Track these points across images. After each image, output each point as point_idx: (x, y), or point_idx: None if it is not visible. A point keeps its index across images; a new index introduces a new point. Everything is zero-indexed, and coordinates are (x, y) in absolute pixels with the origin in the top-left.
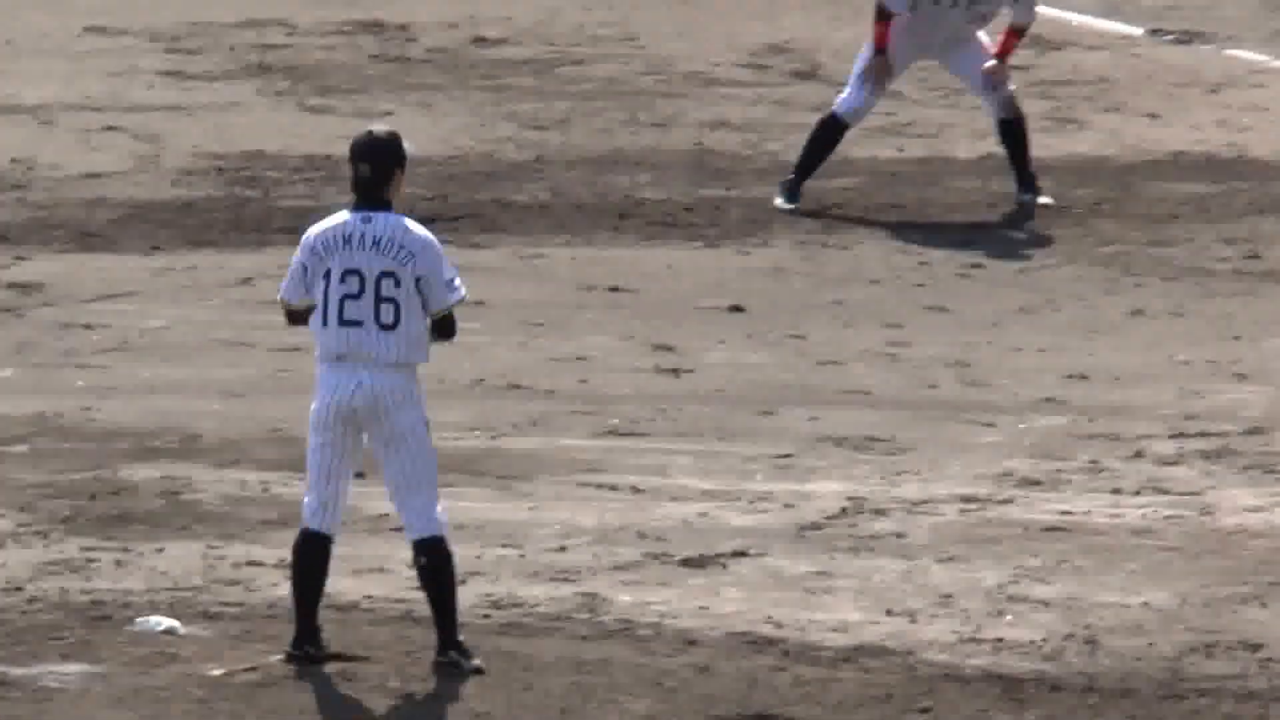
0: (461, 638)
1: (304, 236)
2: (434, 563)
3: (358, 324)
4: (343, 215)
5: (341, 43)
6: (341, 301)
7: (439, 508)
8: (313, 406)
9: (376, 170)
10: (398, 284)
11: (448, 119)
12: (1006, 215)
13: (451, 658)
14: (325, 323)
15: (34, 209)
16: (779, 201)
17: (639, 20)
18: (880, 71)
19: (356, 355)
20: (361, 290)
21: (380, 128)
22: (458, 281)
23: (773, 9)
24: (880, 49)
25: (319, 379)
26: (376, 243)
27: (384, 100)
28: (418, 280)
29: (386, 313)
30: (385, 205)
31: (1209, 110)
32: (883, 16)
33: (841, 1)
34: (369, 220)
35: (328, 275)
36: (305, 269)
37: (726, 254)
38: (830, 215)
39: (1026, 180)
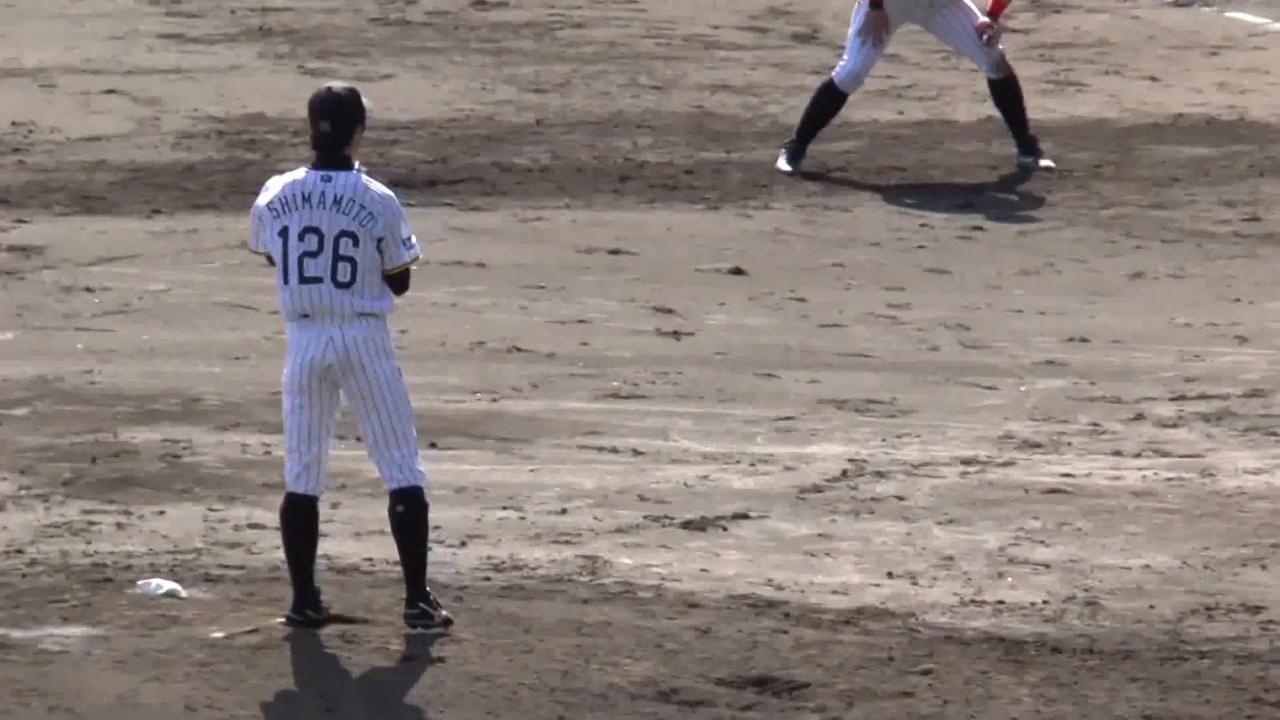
0: (429, 589)
1: (263, 189)
2: (411, 512)
3: (317, 280)
4: (301, 172)
5: (342, 6)
6: (301, 259)
7: (418, 459)
8: (285, 369)
9: (337, 127)
10: (356, 243)
11: (448, 82)
12: (1007, 178)
13: (421, 609)
14: (286, 280)
15: (34, 172)
16: (781, 163)
17: None
18: (878, 25)
19: (319, 310)
20: (320, 248)
21: (339, 84)
22: (414, 239)
23: None
24: (876, 3)
25: (289, 339)
26: (337, 202)
27: (384, 64)
28: (378, 241)
29: (343, 271)
30: (345, 163)
31: (1209, 73)
32: None
33: None
34: (329, 179)
35: (285, 232)
36: (259, 221)
37: (727, 217)
38: (831, 178)
39: (1025, 142)
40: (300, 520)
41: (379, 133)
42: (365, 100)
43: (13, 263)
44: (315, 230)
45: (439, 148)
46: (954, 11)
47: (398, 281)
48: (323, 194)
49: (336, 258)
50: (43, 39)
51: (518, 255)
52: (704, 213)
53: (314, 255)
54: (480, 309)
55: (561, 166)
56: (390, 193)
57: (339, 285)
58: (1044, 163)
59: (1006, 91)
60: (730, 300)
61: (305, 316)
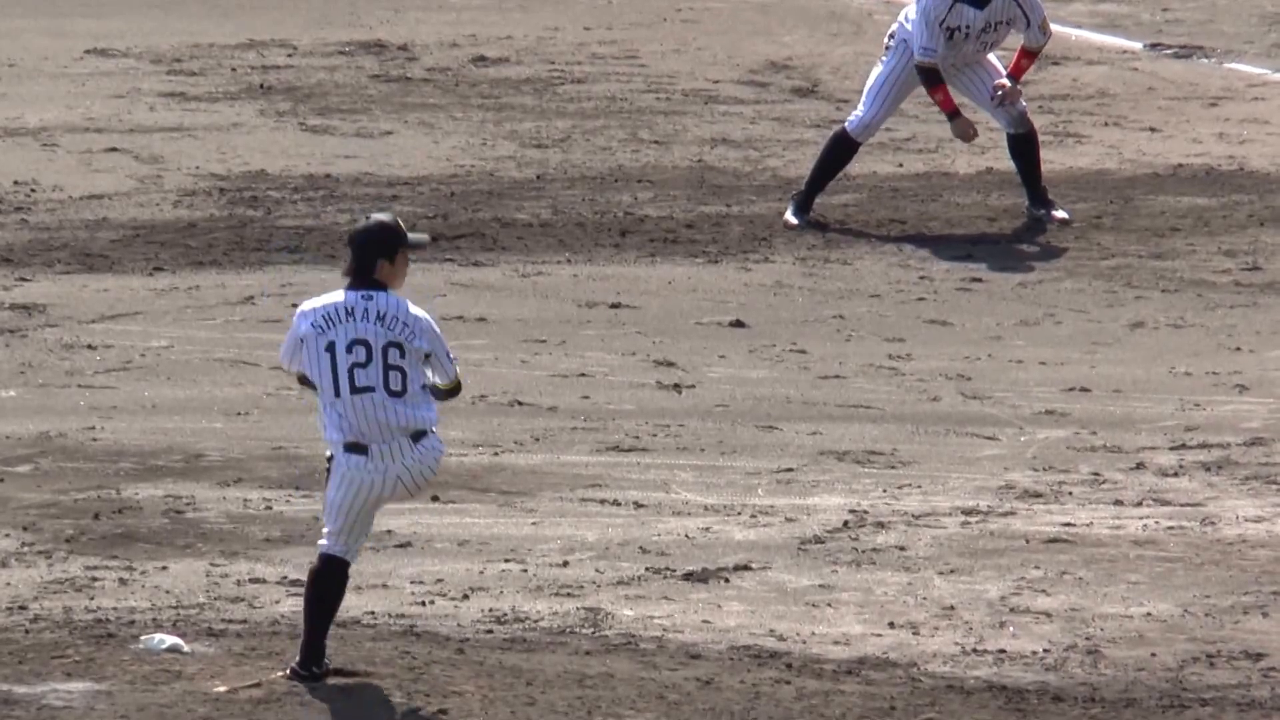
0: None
1: (300, 309)
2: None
3: (369, 390)
4: (339, 294)
5: (342, 63)
6: (351, 370)
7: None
8: (338, 489)
9: (359, 258)
10: (403, 354)
11: (449, 138)
12: (1006, 229)
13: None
14: (337, 393)
15: (37, 230)
16: (789, 215)
17: (639, 38)
18: (966, 130)
19: (374, 429)
20: (369, 359)
21: (376, 217)
22: (453, 353)
23: (773, 26)
24: (953, 112)
25: (345, 464)
26: (380, 317)
27: (385, 120)
28: (426, 356)
29: (395, 380)
30: (381, 287)
31: (1209, 123)
32: (934, 80)
33: (842, 19)
34: (370, 297)
35: (331, 348)
36: (301, 342)
37: (728, 270)
38: (831, 230)
39: (1038, 195)
40: (331, 582)
41: (380, 189)
42: (417, 235)
43: (15, 321)
44: (363, 342)
45: (440, 203)
46: (979, 69)
47: (451, 393)
48: (365, 310)
49: (387, 367)
50: (45, 98)
51: (519, 310)
52: (704, 266)
53: (364, 366)
54: (482, 363)
55: (562, 221)
56: (428, 316)
57: (391, 394)
58: (1058, 214)
59: (1025, 146)
60: (731, 353)
61: (359, 445)
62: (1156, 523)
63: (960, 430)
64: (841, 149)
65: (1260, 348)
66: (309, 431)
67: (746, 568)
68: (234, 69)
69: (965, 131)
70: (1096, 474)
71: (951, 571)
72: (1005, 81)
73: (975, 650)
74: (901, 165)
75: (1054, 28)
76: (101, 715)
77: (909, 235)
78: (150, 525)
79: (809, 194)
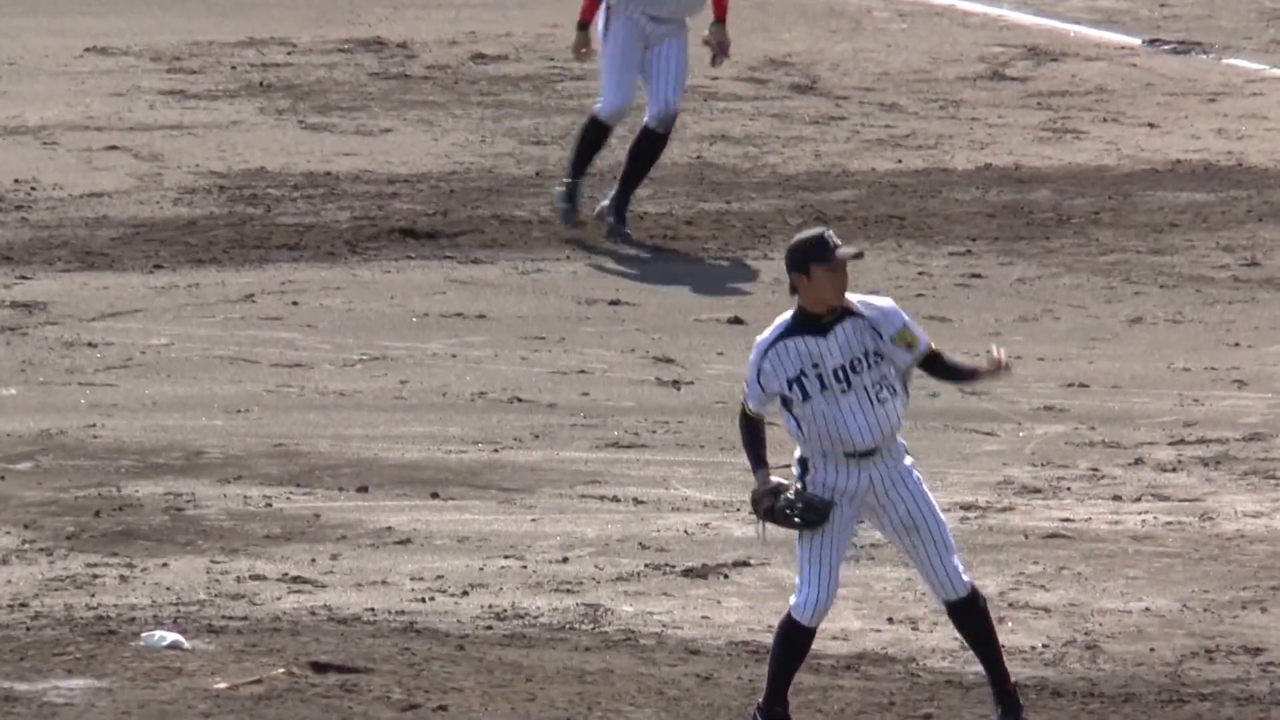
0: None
1: None
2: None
3: None
4: None
5: (342, 61)
6: None
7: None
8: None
9: None
10: None
11: (448, 135)
12: (1005, 225)
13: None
14: None
15: (37, 229)
16: (558, 203)
17: None
18: (579, 47)
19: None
20: None
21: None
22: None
23: (772, 23)
24: (584, 22)
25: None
26: None
27: (384, 117)
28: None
29: None
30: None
31: (1207, 119)
32: None
33: (840, 15)
34: None
35: None
36: None
37: (726, 267)
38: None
39: (624, 201)
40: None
41: (379, 186)
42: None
43: (16, 319)
44: None
45: (439, 200)
46: (672, 44)
47: None
48: None
49: None
50: (45, 96)
51: (518, 307)
52: (703, 263)
53: None
54: (481, 360)
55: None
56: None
57: None
58: (628, 231)
59: (651, 148)
60: (730, 349)
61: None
62: (1155, 518)
63: (959, 426)
64: (595, 133)
65: (1259, 343)
66: (308, 428)
67: (746, 564)
68: (233, 67)
69: (578, 49)
70: (1095, 469)
71: None
72: (717, 28)
73: None
74: (900, 161)
75: (1052, 23)
76: (102, 712)
77: (908, 231)
78: (151, 522)
79: (574, 179)
